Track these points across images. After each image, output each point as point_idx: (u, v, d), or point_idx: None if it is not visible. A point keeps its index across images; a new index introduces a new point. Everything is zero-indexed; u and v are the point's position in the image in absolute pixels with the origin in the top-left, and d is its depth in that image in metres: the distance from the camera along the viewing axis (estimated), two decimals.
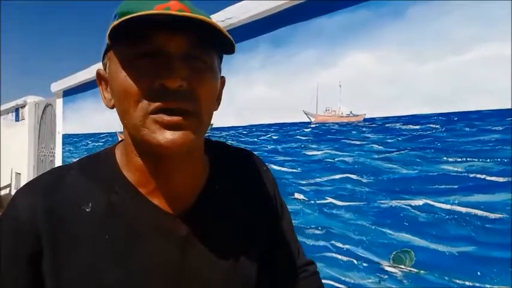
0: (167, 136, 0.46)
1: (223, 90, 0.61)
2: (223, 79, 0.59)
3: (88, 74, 4.25)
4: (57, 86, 5.13)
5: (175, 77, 0.45)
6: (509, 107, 1.29)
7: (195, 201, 0.57)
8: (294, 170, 1.99)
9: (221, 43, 0.48)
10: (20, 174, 7.04)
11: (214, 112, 0.56)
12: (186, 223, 0.55)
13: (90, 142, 4.40)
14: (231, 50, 0.49)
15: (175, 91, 0.45)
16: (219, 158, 0.64)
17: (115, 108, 0.54)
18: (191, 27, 0.45)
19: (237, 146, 0.73)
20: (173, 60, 0.46)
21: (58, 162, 5.21)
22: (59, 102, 5.24)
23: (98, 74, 0.56)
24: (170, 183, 0.54)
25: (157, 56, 0.46)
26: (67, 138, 5.00)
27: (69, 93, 4.93)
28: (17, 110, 7.30)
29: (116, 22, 0.42)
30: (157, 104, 0.46)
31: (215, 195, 0.60)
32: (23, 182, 6.82)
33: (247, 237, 0.61)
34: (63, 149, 5.10)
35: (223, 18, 2.30)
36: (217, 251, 0.56)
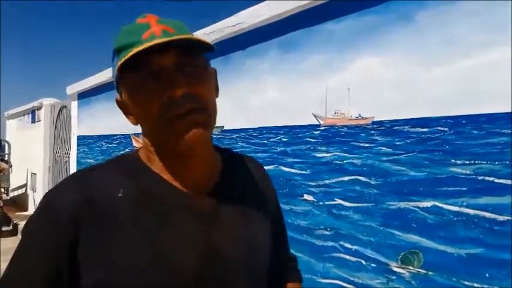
0: (186, 139, 0.56)
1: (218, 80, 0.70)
2: (214, 70, 0.68)
3: (102, 77, 4.33)
4: (73, 88, 5.24)
5: (178, 87, 0.55)
6: None
7: (212, 186, 0.66)
8: (303, 172, 2.01)
9: (202, 46, 0.59)
10: (35, 174, 7.19)
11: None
12: (206, 203, 0.63)
13: (104, 144, 4.49)
14: (211, 49, 0.59)
15: (181, 98, 0.55)
16: (227, 156, 0.75)
17: (139, 125, 0.64)
18: (176, 44, 0.55)
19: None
20: (171, 74, 0.55)
21: (73, 163, 5.32)
22: (74, 105, 5.36)
23: (117, 101, 0.66)
24: (189, 171, 0.63)
25: (158, 74, 0.56)
26: (82, 140, 5.11)
27: (84, 95, 5.04)
28: (33, 112, 7.46)
29: (120, 62, 0.53)
30: (171, 113, 0.55)
31: (229, 183, 0.69)
32: (38, 182, 6.96)
33: (258, 221, 0.71)
34: (78, 150, 5.21)
35: (234, 23, 2.34)
36: (235, 229, 0.65)
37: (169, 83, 0.55)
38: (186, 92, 0.55)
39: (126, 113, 0.65)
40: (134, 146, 3.83)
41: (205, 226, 0.62)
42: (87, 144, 4.94)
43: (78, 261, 0.54)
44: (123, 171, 0.62)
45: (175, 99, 0.55)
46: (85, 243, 0.55)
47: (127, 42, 0.56)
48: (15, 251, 0.57)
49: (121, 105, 0.65)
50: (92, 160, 4.74)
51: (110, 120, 4.34)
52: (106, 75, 4.22)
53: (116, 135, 4.21)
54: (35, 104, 7.16)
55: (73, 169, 5.30)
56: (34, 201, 7.23)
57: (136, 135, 3.79)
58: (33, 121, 7.48)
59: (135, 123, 0.64)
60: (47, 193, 0.60)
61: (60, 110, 6.42)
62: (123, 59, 0.53)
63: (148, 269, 0.55)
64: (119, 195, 0.58)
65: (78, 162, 5.15)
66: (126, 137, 3.98)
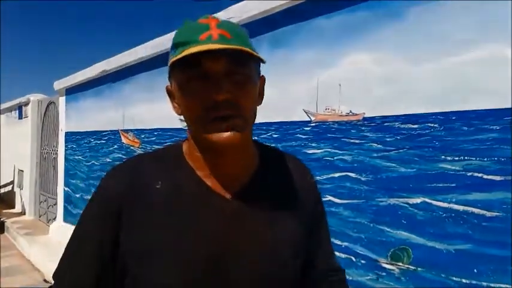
0: (220, 137, 0.60)
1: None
2: (263, 78, 0.72)
3: (91, 72, 4.27)
4: (60, 84, 5.15)
5: (222, 92, 0.59)
6: (507, 106, 1.30)
7: (242, 187, 0.70)
8: None
9: (253, 57, 0.62)
10: (22, 171, 7.08)
11: None
12: (232, 203, 0.68)
13: (92, 140, 4.43)
14: (262, 61, 0.64)
15: (222, 102, 0.59)
16: (269, 157, 0.77)
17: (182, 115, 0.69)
18: (228, 51, 0.58)
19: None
20: (219, 79, 0.59)
21: (61, 160, 5.24)
22: (62, 100, 5.27)
23: (167, 89, 0.71)
24: (221, 170, 0.68)
25: (207, 76, 0.60)
26: (70, 136, 5.03)
27: (72, 91, 4.96)
28: (20, 107, 7.33)
29: (172, 59, 0.59)
30: (212, 114, 0.60)
31: (261, 184, 0.72)
32: (25, 179, 6.85)
33: (286, 224, 0.71)
34: (65, 146, 5.13)
35: (225, 18, 2.31)
36: (258, 229, 0.68)
37: (215, 87, 0.59)
38: (228, 98, 0.59)
39: (173, 101, 0.70)
40: (123, 142, 3.79)
41: (227, 225, 0.66)
42: (75, 140, 4.87)
43: (120, 231, 0.65)
44: (165, 163, 0.71)
45: (218, 103, 0.59)
46: (125, 220, 0.65)
47: (184, 40, 0.60)
48: (80, 216, 0.70)
49: (169, 93, 0.71)
50: (80, 157, 4.68)
51: (99, 117, 4.29)
52: (95, 70, 4.16)
53: (105, 131, 4.16)
54: (22, 99, 7.04)
55: (61, 166, 5.22)
56: (21, 199, 7.12)
57: (125, 131, 3.74)
58: (20, 117, 7.36)
59: (179, 114, 0.69)
60: (105, 174, 0.72)
61: (47, 106, 6.32)
62: (175, 58, 0.58)
63: (163, 256, 0.63)
64: (157, 186, 0.67)
65: (66, 159, 5.08)
66: (115, 133, 3.93)
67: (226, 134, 0.60)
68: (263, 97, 0.72)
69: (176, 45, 0.62)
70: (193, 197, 0.67)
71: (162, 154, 0.74)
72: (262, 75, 0.72)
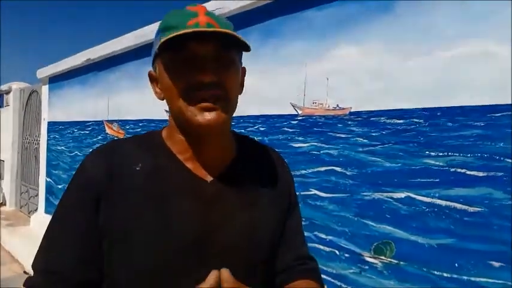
0: (205, 117, 0.62)
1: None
2: (243, 69, 0.74)
3: (75, 60, 4.17)
4: (43, 72, 5.02)
5: (208, 74, 0.61)
6: (491, 103, 1.31)
7: (223, 171, 0.71)
8: None
9: (239, 44, 0.63)
10: (3, 161, 6.91)
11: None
12: (212, 185, 0.69)
13: (76, 130, 4.34)
14: (247, 49, 0.65)
15: (208, 84, 0.61)
16: (245, 145, 0.79)
17: (164, 100, 0.70)
18: (216, 36, 0.60)
19: None
20: (205, 62, 0.61)
21: (43, 150, 5.13)
22: (45, 89, 5.14)
23: (150, 74, 0.72)
24: (202, 153, 0.70)
25: (193, 59, 0.62)
26: (52, 126, 4.92)
27: (56, 79, 4.84)
28: (1, 96, 7.14)
29: (162, 39, 0.59)
30: (196, 94, 0.62)
31: (240, 169, 0.74)
32: (6, 169, 6.69)
33: (264, 208, 0.74)
34: (48, 136, 5.01)
35: (214, 8, 2.28)
36: (237, 212, 0.70)
37: (201, 69, 0.61)
38: (214, 80, 0.61)
39: (155, 87, 0.72)
40: (107, 133, 3.72)
41: (204, 209, 0.67)
42: (58, 130, 4.76)
43: (99, 216, 0.65)
44: (145, 147, 0.71)
45: (203, 84, 0.61)
46: (103, 205, 0.65)
47: (173, 24, 0.61)
48: (59, 202, 0.70)
49: (152, 78, 0.72)
50: (63, 147, 4.58)
51: (83, 106, 4.20)
52: (79, 59, 4.07)
53: (89, 121, 4.08)
54: (4, 87, 6.85)
55: (43, 156, 5.11)
56: (2, 189, 6.96)
57: (110, 121, 3.67)
58: (1, 106, 7.17)
59: (161, 99, 0.70)
60: (84, 157, 0.72)
61: (30, 95, 6.17)
62: (164, 39, 0.58)
63: (143, 240, 0.64)
64: (137, 168, 0.67)
65: (49, 149, 4.97)
66: (99, 123, 3.86)
67: (211, 115, 0.62)
68: (243, 87, 0.75)
69: (163, 30, 0.63)
70: (173, 180, 0.68)
71: (142, 139, 0.75)
72: (243, 67, 0.74)
